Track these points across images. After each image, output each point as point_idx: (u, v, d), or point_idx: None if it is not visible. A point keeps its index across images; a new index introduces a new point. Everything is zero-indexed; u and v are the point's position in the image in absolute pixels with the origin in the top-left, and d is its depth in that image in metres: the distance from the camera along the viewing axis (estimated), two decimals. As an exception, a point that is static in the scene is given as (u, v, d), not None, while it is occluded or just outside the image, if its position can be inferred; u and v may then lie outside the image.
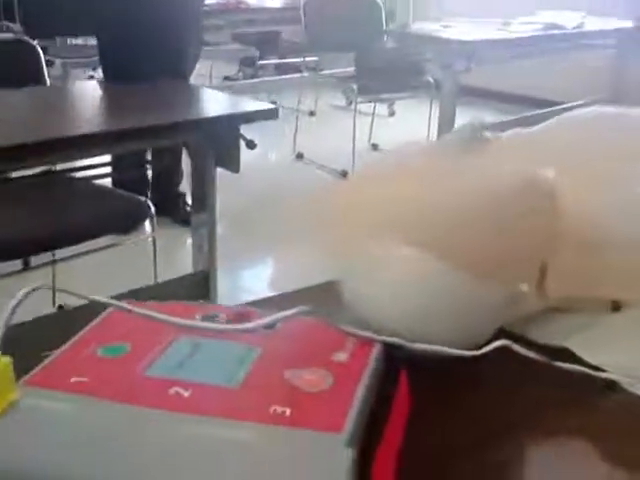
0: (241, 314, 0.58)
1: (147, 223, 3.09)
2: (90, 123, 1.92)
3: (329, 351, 0.53)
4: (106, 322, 0.56)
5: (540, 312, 0.66)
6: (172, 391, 0.46)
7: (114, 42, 2.95)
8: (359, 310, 0.61)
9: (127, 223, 2.11)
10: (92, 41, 4.73)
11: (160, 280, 2.22)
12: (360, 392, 0.48)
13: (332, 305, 0.59)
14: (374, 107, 4.96)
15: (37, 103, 2.10)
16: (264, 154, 4.65)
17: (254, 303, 0.70)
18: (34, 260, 2.38)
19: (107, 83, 2.65)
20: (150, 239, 2.79)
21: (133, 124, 1.76)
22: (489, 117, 3.68)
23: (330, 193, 0.65)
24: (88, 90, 2.43)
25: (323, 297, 0.62)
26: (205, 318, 0.56)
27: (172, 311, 0.54)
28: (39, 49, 2.26)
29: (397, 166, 0.61)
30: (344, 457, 0.41)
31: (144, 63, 2.74)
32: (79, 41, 4.96)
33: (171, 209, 3.22)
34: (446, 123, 3.67)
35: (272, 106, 1.99)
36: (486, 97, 5.45)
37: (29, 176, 2.19)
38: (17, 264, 2.29)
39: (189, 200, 3.50)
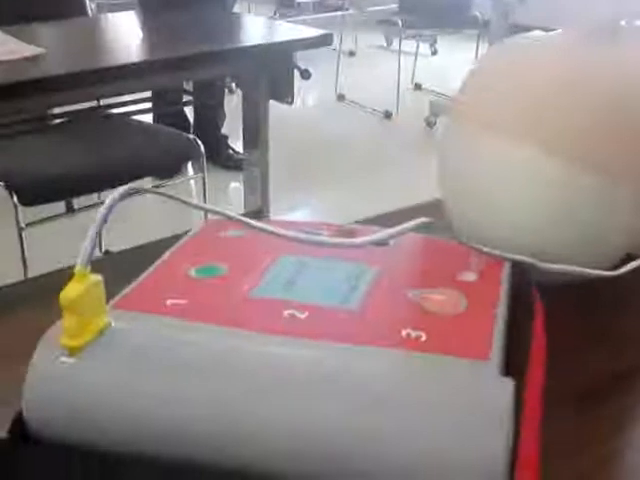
0: (346, 231, 0.51)
1: (190, 166, 3.05)
2: (137, 53, 1.84)
3: (455, 270, 0.46)
4: (193, 243, 0.50)
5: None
6: (286, 313, 0.39)
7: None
8: (473, 225, 0.54)
9: (175, 162, 2.05)
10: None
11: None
12: (500, 315, 0.41)
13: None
14: (417, 46, 4.83)
15: (81, 34, 2.03)
16: (304, 96, 4.56)
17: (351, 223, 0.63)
18: (77, 203, 2.34)
19: (145, 13, 2.56)
20: (193, 182, 2.74)
21: (182, 53, 1.68)
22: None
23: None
24: (131, 20, 2.34)
25: (426, 215, 0.55)
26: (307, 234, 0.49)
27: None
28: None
29: (522, 60, 0.53)
30: (503, 387, 0.35)
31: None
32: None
33: (214, 152, 3.15)
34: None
35: (325, 32, 1.89)
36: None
37: (70, 112, 2.13)
38: (60, 207, 2.25)
39: (231, 143, 3.45)
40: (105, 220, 0.36)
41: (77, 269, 0.37)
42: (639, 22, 0.58)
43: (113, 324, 0.38)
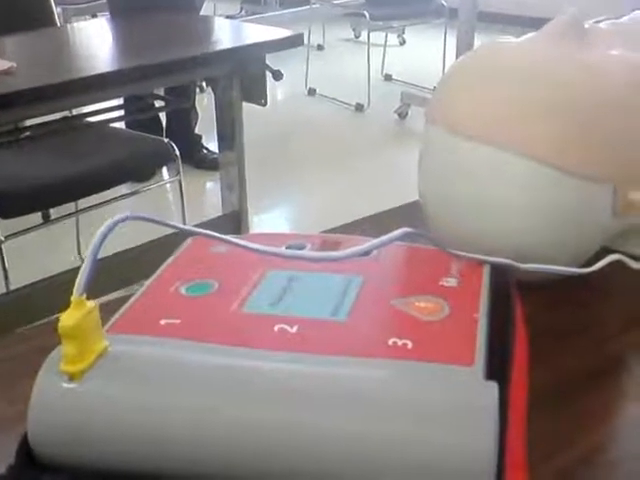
0: (329, 242, 0.52)
1: (165, 170, 3.05)
2: (110, 62, 1.84)
3: (436, 276, 0.47)
4: (181, 260, 0.51)
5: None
6: (276, 328, 0.41)
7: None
8: (452, 228, 0.55)
9: (151, 166, 2.06)
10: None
11: (189, 225, 2.17)
12: (482, 320, 0.43)
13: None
14: (385, 37, 4.85)
15: (51, 45, 2.02)
16: (275, 92, 4.57)
17: (330, 231, 0.65)
18: (54, 213, 2.34)
19: (115, 19, 2.56)
20: (169, 185, 2.74)
21: (155, 60, 1.68)
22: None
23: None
24: (101, 28, 2.34)
25: (403, 220, 0.57)
26: (291, 248, 0.51)
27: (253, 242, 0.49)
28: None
29: (494, 63, 0.55)
30: (488, 392, 0.36)
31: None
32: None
33: (188, 153, 3.15)
34: (465, 51, 3.56)
35: (297, 32, 1.91)
36: (504, 22, 5.32)
37: (45, 123, 2.13)
38: (37, 218, 2.24)
39: (205, 143, 3.45)
40: (98, 249, 0.37)
41: (73, 298, 0.38)
42: (602, 24, 0.60)
43: (110, 348, 0.39)
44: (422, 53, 5.10)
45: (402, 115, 4.17)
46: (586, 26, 0.57)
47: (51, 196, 1.93)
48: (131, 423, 0.37)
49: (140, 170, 2.14)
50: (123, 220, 0.38)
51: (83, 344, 0.38)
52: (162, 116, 3.38)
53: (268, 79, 1.95)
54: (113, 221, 0.37)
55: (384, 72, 4.81)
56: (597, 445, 0.44)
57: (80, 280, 0.38)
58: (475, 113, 0.53)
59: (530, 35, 0.58)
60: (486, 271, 0.49)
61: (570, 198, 0.52)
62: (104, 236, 0.37)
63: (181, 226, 0.42)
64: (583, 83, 0.52)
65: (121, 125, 2.82)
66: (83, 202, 2.18)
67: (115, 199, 2.20)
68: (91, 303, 0.38)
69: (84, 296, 0.38)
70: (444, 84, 0.57)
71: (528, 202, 0.52)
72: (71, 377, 0.38)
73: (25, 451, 0.38)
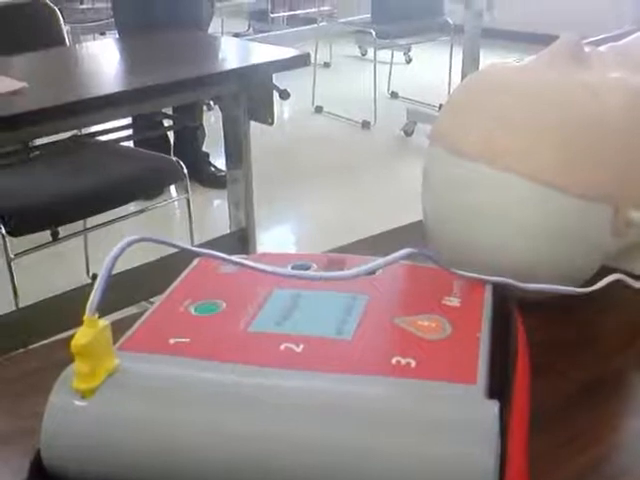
0: (334, 261, 0.53)
1: (172, 187, 3.07)
2: (118, 81, 1.86)
3: (439, 296, 0.48)
4: (190, 280, 0.52)
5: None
6: (283, 347, 0.42)
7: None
8: (453, 245, 0.56)
9: (159, 184, 2.07)
10: (99, 4, 4.66)
11: (197, 243, 2.18)
12: (484, 339, 0.44)
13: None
14: (392, 55, 4.88)
15: (61, 65, 2.04)
16: (282, 109, 4.59)
17: (335, 250, 0.66)
18: (63, 231, 2.35)
19: (123, 39, 2.59)
20: (177, 203, 2.75)
21: (163, 79, 1.70)
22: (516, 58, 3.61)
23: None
24: (109, 48, 2.37)
25: (407, 239, 0.58)
26: (297, 268, 0.52)
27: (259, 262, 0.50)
28: (57, 10, 2.20)
29: (496, 86, 0.56)
30: (489, 410, 0.37)
31: (159, 13, 2.68)
32: (85, 5, 4.90)
33: (195, 171, 3.17)
34: (470, 67, 3.58)
35: (303, 52, 1.93)
36: (509, 38, 5.34)
37: (54, 142, 2.15)
38: (46, 236, 2.26)
39: (213, 160, 3.47)
40: (110, 271, 0.38)
41: (86, 317, 0.39)
42: (602, 47, 0.61)
43: (121, 366, 0.40)
44: (428, 71, 5.13)
45: (408, 132, 4.19)
46: (587, 49, 0.58)
47: (60, 214, 1.94)
48: (141, 440, 0.38)
49: (148, 188, 2.16)
50: (133, 243, 0.39)
51: (95, 362, 0.39)
52: (170, 134, 3.40)
53: (275, 98, 1.97)
54: (124, 243, 0.38)
55: (390, 89, 4.84)
56: (599, 458, 0.45)
57: (92, 300, 0.39)
58: (477, 134, 0.54)
59: (532, 57, 0.59)
60: (487, 290, 0.50)
61: (570, 217, 0.53)
62: (115, 259, 0.38)
63: (190, 248, 0.43)
64: (584, 104, 0.53)
65: (129, 144, 2.84)
66: (91, 220, 2.20)
67: (123, 217, 2.21)
68: (103, 322, 0.40)
69: (96, 315, 0.39)
70: (448, 105, 0.58)
71: (529, 221, 0.53)
72: (83, 395, 0.39)
73: (38, 466, 0.39)
